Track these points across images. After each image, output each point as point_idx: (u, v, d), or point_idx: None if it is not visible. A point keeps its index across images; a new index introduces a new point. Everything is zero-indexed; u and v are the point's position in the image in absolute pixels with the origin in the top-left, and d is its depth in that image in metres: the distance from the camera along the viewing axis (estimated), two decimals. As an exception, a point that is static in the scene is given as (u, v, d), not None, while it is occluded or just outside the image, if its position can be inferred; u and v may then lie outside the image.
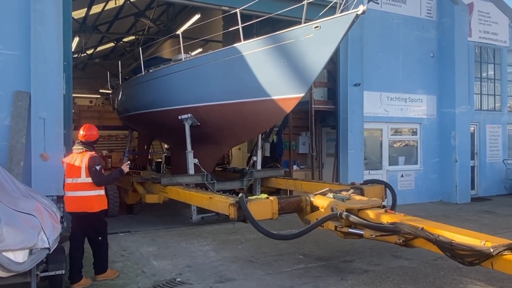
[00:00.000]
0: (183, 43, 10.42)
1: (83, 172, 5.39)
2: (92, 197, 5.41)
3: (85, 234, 5.58)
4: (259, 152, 9.86)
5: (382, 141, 12.05)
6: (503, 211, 10.71)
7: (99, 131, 6.53)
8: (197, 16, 14.00)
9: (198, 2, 9.71)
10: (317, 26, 6.41)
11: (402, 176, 12.03)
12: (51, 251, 4.11)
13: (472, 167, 13.26)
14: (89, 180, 5.39)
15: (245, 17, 10.11)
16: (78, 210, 5.40)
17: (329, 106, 11.15)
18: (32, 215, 3.99)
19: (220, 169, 11.53)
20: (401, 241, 4.50)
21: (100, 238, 5.58)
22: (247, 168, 10.09)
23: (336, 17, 6.17)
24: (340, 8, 6.12)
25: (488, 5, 13.47)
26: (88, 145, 5.68)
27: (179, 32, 11.98)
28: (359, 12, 5.78)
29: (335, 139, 11.48)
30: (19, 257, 3.48)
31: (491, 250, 3.61)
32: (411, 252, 6.63)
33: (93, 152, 5.65)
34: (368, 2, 6.22)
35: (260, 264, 6.48)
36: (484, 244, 3.76)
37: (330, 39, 6.40)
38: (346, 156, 10.86)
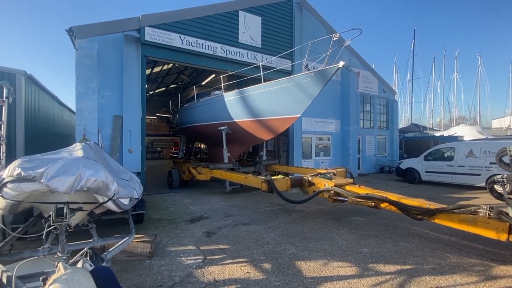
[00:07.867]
0: (203, 90, 12.81)
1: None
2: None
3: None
4: (264, 150, 10.75)
5: (311, 143, 14.61)
6: (374, 181, 13.34)
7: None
8: (213, 75, 17.59)
9: (212, 68, 11.51)
10: (313, 74, 6.46)
11: (322, 162, 14.94)
12: (138, 200, 4.84)
13: (358, 158, 16.49)
14: None
15: (238, 76, 12.09)
16: None
17: (285, 125, 11.07)
18: (128, 181, 4.61)
19: (238, 159, 11.44)
20: (373, 204, 4.62)
21: None
22: (257, 159, 10.75)
23: (324, 68, 6.32)
24: (325, 62, 6.20)
25: (367, 73, 17.54)
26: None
27: (204, 83, 14.93)
28: (340, 66, 5.96)
29: (287, 142, 13.76)
30: (126, 202, 4.02)
31: (435, 210, 3.90)
32: (324, 203, 7.28)
33: None
34: (341, 64, 6.04)
35: (247, 208, 7.03)
36: (429, 207, 4.01)
37: (320, 82, 6.53)
38: (293, 151, 13.35)
